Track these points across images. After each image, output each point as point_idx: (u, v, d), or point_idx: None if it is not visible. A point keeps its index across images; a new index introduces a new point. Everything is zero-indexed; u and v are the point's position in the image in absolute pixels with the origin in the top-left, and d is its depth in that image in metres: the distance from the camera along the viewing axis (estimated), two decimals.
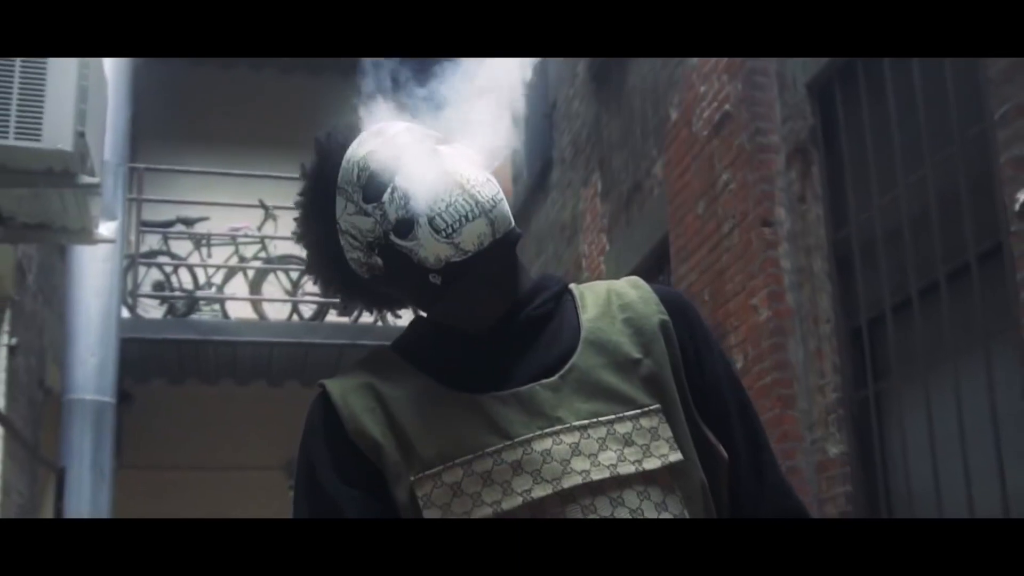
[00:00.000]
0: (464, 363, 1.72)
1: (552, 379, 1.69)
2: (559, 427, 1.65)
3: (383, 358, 1.77)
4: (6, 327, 7.96)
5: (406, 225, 1.68)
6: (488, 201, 1.68)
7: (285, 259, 13.38)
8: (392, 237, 1.70)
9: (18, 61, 5.12)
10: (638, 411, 1.69)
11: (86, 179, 5.44)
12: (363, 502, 1.65)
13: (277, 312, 13.52)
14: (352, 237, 1.75)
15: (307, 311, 13.36)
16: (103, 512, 8.01)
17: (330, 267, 1.82)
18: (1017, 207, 4.60)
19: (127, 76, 8.40)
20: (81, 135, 5.22)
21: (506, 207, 1.71)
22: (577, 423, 1.65)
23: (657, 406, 1.70)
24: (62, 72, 5.18)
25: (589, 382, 1.69)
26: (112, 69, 7.07)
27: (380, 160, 1.71)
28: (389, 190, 1.70)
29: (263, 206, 13.28)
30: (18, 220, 5.96)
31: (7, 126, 5.08)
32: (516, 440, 1.63)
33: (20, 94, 5.09)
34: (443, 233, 1.66)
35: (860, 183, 6.10)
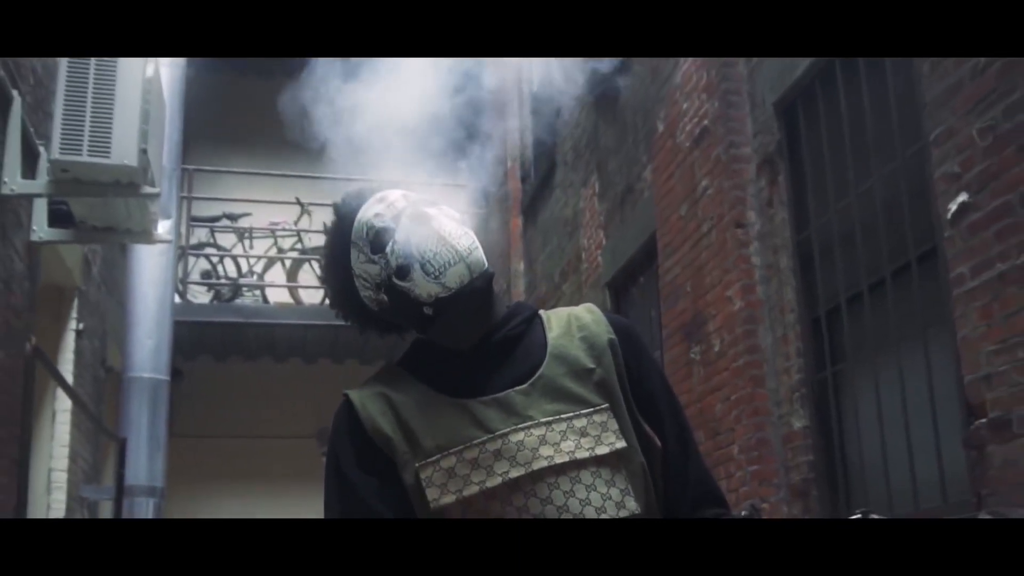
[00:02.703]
0: (454, 375, 1.97)
1: (524, 386, 1.93)
2: (529, 423, 1.89)
3: (392, 372, 2.03)
4: (74, 314, 8.08)
5: (404, 270, 1.95)
6: (465, 250, 1.96)
7: (319, 250, 13.44)
8: (394, 279, 1.96)
9: (90, 89, 5.30)
10: (591, 409, 1.93)
11: (148, 189, 5.59)
12: (379, 485, 1.89)
13: (311, 297, 13.60)
14: (364, 280, 2.01)
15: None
16: (158, 477, 8.16)
17: (349, 302, 2.07)
18: (949, 216, 4.69)
19: (180, 90, 8.56)
20: (144, 152, 5.39)
21: (480, 253, 1.99)
22: (543, 419, 1.90)
23: (606, 405, 1.94)
24: (127, 97, 5.32)
25: (554, 387, 1.94)
26: (167, 84, 7.24)
27: (383, 221, 1.99)
28: (390, 244, 1.96)
29: (299, 203, 13.37)
30: (88, 224, 6.13)
31: (81, 145, 5.25)
32: (496, 434, 1.88)
33: (92, 118, 5.25)
34: (432, 276, 1.93)
35: (819, 191, 6.18)
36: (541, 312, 2.11)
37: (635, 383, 2.01)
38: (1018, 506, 4.29)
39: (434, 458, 1.87)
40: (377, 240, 1.98)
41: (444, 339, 2.01)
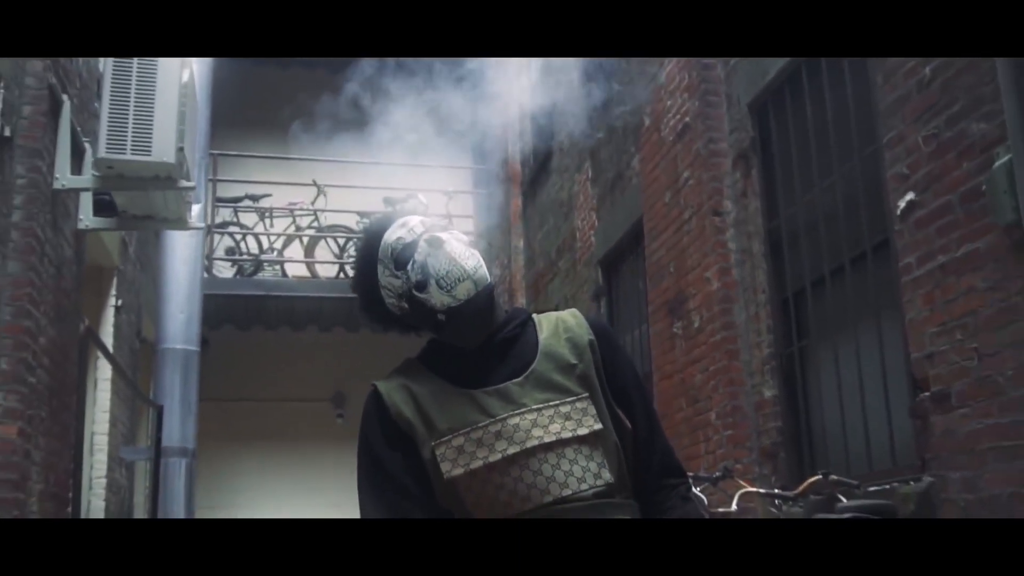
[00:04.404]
0: (463, 369, 2.23)
1: (519, 379, 2.19)
2: (524, 409, 2.15)
3: (411, 366, 2.30)
4: (113, 291, 8.31)
5: (422, 284, 2.20)
6: (472, 269, 2.21)
7: (334, 228, 13.62)
8: (414, 292, 2.22)
9: (132, 95, 5.50)
10: (574, 398, 2.19)
11: (184, 183, 5.79)
12: (403, 460, 2.16)
13: (327, 271, 13.79)
14: (388, 290, 2.27)
15: (352, 271, 13.51)
16: (190, 439, 8.37)
17: (376, 308, 2.33)
18: (899, 212, 4.94)
19: (207, 84, 8.70)
20: (180, 150, 5.58)
21: (484, 270, 2.24)
22: (535, 406, 2.16)
23: (586, 395, 2.20)
24: (166, 101, 5.52)
25: (544, 380, 2.20)
26: (196, 79, 7.39)
27: (404, 243, 2.24)
28: (411, 263, 2.22)
29: (316, 184, 13.54)
30: (129, 213, 6.33)
31: (125, 144, 5.46)
32: (496, 418, 2.14)
33: (134, 120, 5.45)
34: (445, 289, 2.19)
35: (788, 184, 6.41)
36: (534, 316, 2.37)
37: (610, 376, 2.27)
38: (956, 470, 4.56)
39: (446, 438, 2.14)
40: (400, 259, 2.24)
41: (454, 340, 2.26)
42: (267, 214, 13.66)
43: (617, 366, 2.31)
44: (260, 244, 13.59)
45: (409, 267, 2.22)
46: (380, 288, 2.29)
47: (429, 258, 2.21)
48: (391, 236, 2.27)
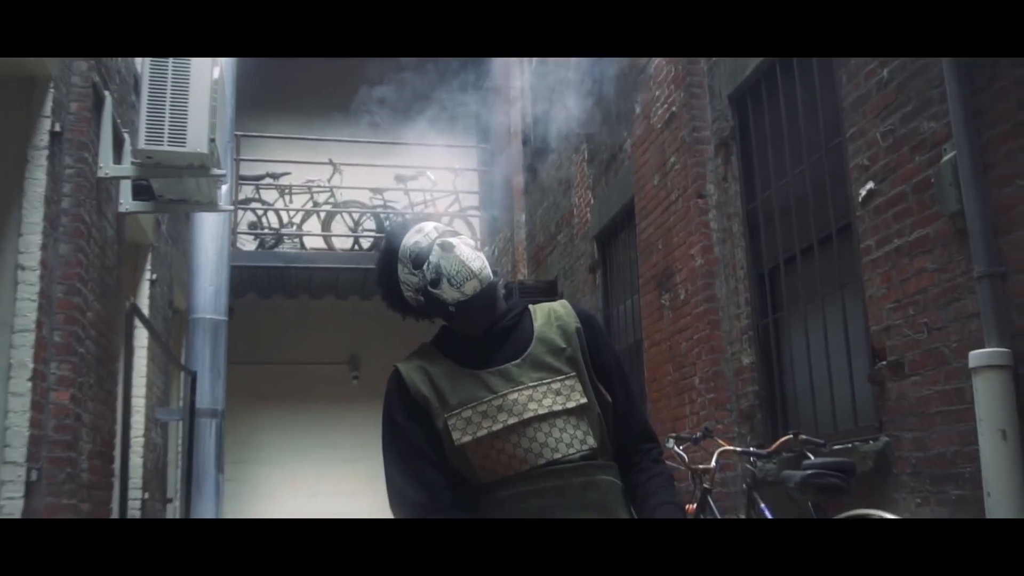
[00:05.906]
0: (470, 353, 2.47)
1: (517, 361, 2.44)
2: (521, 386, 2.40)
3: (427, 349, 2.53)
4: (148, 266, 8.56)
5: (435, 282, 2.44)
6: (478, 269, 2.45)
7: (348, 204, 13.78)
8: (428, 288, 2.46)
9: (168, 91, 5.70)
10: (564, 376, 2.43)
11: (215, 171, 5.99)
12: (420, 429, 2.39)
13: (342, 244, 13.98)
14: (407, 285, 2.51)
15: (365, 243, 13.85)
16: (220, 401, 8.55)
17: (396, 300, 2.57)
18: (860, 199, 5.17)
19: (231, 73, 8.86)
20: (212, 140, 5.80)
21: (488, 270, 2.48)
22: (531, 384, 2.40)
23: (574, 374, 2.45)
24: (199, 97, 5.72)
25: (538, 361, 2.44)
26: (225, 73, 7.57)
27: (420, 247, 2.48)
28: (426, 264, 2.46)
29: (332, 163, 13.69)
30: (165, 197, 6.54)
31: (162, 136, 5.67)
32: (498, 394, 2.39)
33: (171, 115, 5.67)
34: (455, 287, 2.43)
35: (764, 170, 6.61)
36: (530, 307, 2.61)
37: (594, 358, 2.51)
38: (908, 431, 4.83)
39: (456, 411, 2.38)
40: (417, 260, 2.47)
41: (463, 328, 2.51)
42: (287, 191, 13.83)
43: (600, 349, 2.54)
44: (280, 219, 13.77)
45: (425, 267, 2.45)
46: (400, 283, 2.52)
47: (441, 260, 2.44)
48: (409, 240, 2.50)
